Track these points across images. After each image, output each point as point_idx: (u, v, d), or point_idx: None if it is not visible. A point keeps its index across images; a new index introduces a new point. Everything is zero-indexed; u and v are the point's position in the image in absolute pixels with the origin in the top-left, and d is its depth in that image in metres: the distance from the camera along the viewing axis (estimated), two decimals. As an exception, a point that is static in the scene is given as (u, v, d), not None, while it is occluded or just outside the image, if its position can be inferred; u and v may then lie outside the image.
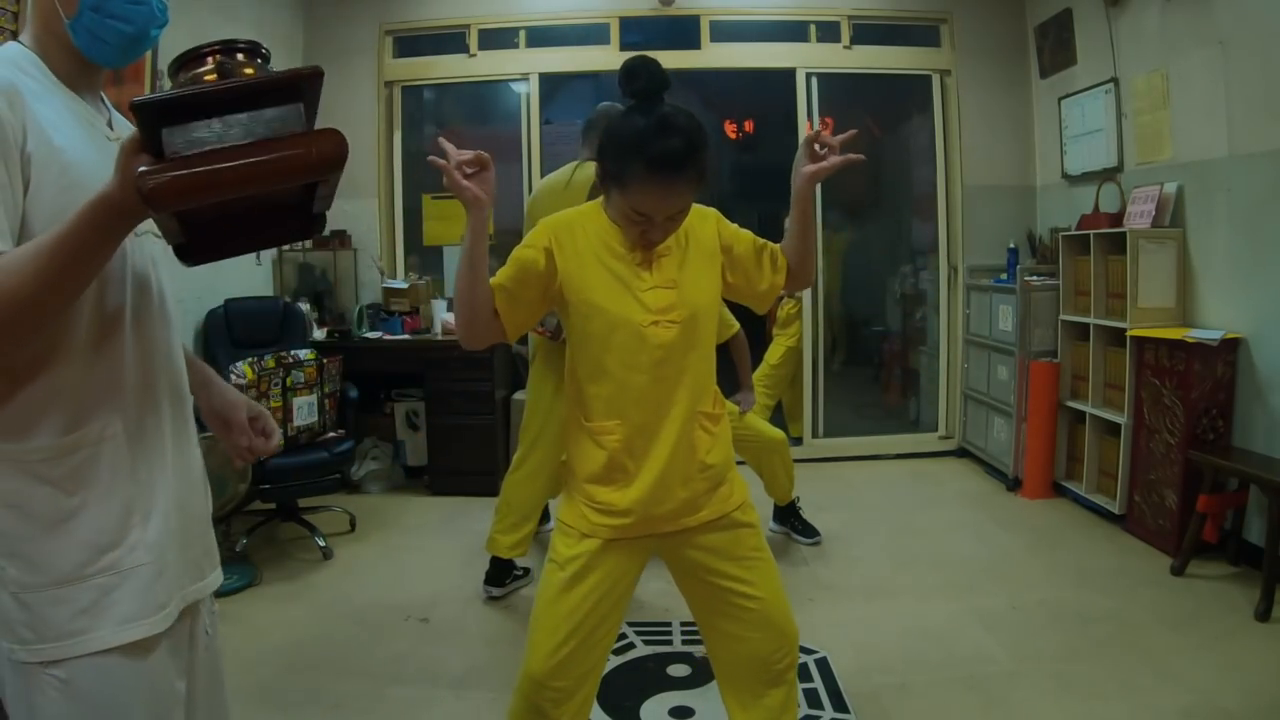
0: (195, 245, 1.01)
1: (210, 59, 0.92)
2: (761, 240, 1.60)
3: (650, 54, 1.48)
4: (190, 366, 1.26)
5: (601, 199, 1.51)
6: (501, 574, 2.99)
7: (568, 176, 2.86)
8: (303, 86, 0.91)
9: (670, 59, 1.47)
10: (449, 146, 1.32)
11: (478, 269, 1.39)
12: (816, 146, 1.50)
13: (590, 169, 2.74)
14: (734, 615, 1.55)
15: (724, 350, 2.95)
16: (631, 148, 1.38)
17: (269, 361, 3.27)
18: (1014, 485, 4.16)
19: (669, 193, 1.39)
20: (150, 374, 1.08)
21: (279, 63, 0.99)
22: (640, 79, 1.44)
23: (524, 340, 3.96)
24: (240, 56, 0.94)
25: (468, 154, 1.31)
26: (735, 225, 1.60)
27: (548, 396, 2.85)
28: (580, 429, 1.52)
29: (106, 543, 1.01)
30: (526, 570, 3.06)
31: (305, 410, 3.38)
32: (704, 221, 1.55)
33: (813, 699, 2.26)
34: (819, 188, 1.58)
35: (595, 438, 1.49)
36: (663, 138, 1.36)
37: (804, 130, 4.67)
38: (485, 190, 1.32)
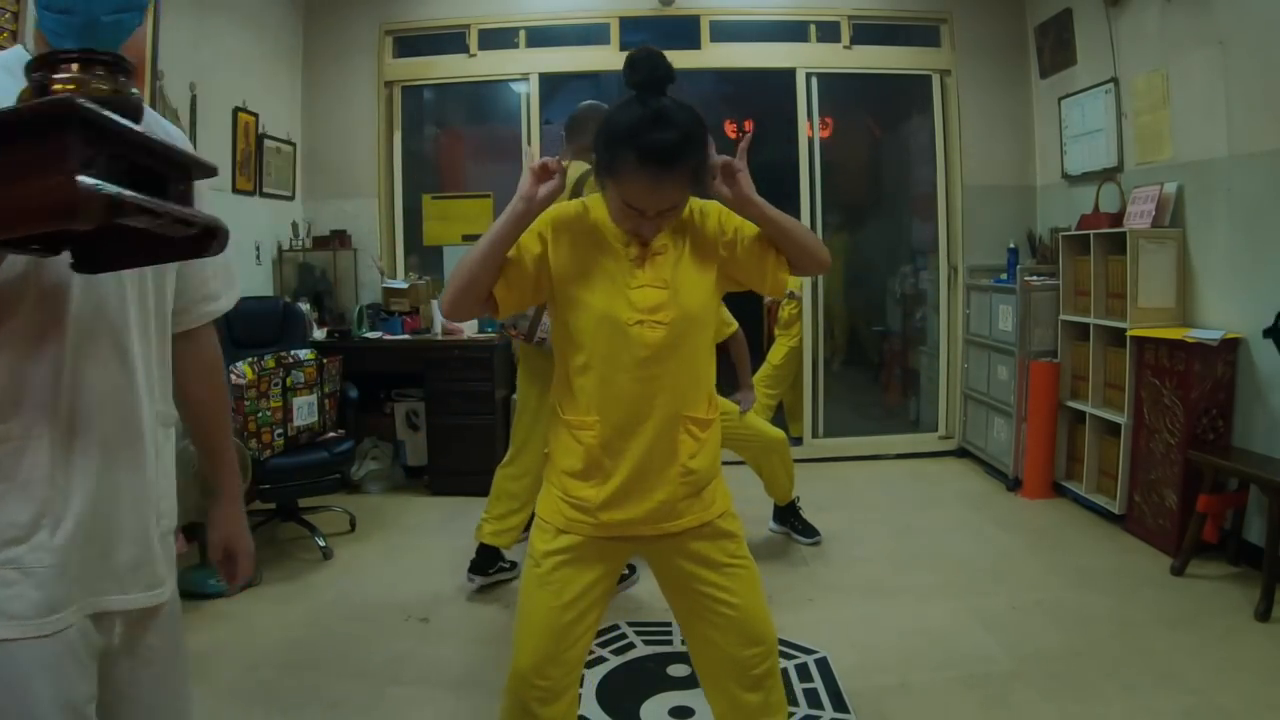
0: (84, 259, 0.96)
1: (65, 68, 0.87)
2: None
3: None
4: (219, 464, 1.34)
5: (602, 192, 1.50)
6: (486, 562, 2.99)
7: None
8: (50, 125, 0.79)
9: (670, 59, 1.45)
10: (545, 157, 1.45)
11: (498, 249, 1.41)
12: (722, 174, 1.46)
13: (571, 169, 2.73)
14: (711, 621, 1.54)
15: (723, 350, 2.95)
16: (624, 138, 1.36)
17: (269, 361, 3.27)
18: (1014, 485, 4.16)
19: (659, 186, 1.37)
20: (89, 393, 1.05)
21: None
22: (642, 70, 1.41)
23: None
24: (99, 70, 0.88)
25: (551, 161, 1.43)
26: (740, 219, 1.52)
27: (534, 399, 2.85)
28: (560, 422, 1.52)
29: (12, 538, 0.99)
30: (514, 564, 3.06)
31: (305, 410, 3.38)
32: (705, 219, 1.51)
33: (813, 699, 2.26)
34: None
35: (573, 432, 1.49)
36: (656, 130, 1.34)
37: (804, 130, 4.68)
38: (542, 194, 1.40)
